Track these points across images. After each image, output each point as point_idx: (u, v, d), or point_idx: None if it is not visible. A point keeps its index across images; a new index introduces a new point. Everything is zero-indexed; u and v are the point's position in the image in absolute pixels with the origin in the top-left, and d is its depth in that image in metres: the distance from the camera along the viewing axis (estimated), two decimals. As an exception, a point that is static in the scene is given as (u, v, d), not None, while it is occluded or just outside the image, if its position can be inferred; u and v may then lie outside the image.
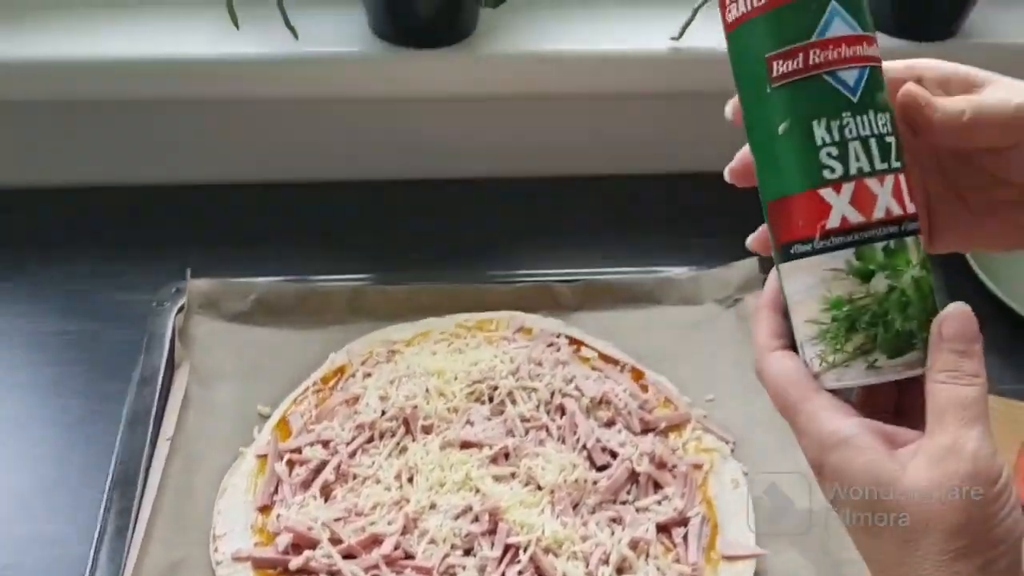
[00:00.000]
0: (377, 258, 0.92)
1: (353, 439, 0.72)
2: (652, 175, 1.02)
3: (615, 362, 0.81)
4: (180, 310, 0.82)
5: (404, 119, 0.99)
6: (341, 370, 0.79)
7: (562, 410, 0.75)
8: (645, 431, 0.75)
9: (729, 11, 0.44)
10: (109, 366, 0.80)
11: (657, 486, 0.70)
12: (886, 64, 0.45)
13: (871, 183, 0.42)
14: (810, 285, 0.43)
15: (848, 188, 0.42)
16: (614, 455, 0.71)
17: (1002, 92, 0.45)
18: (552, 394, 0.75)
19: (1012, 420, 0.77)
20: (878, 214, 0.42)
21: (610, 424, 0.75)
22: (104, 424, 0.75)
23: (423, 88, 0.95)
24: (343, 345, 0.81)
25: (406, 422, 0.72)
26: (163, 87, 0.92)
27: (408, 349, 0.80)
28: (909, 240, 0.42)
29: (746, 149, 0.46)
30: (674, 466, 0.71)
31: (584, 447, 0.71)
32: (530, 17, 0.96)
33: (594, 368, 0.80)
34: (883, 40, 0.96)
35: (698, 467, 0.72)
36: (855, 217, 0.42)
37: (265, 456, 0.72)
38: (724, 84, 0.47)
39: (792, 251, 0.43)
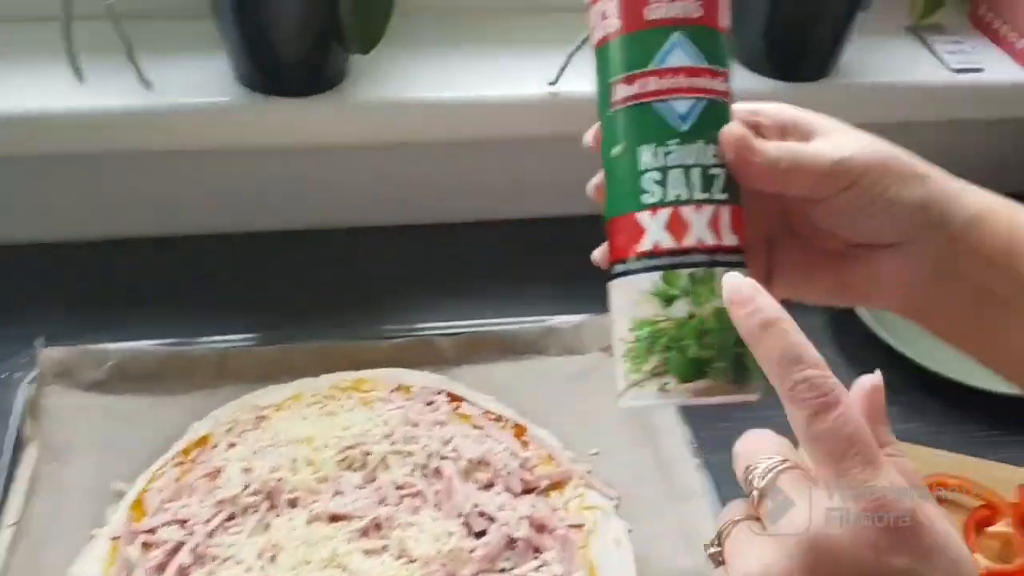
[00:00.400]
0: (247, 317, 0.87)
1: (213, 516, 0.67)
2: (531, 219, 1.00)
3: (498, 418, 0.78)
4: (31, 381, 0.77)
5: (274, 169, 0.96)
6: (204, 440, 0.74)
7: (439, 473, 0.71)
8: (526, 491, 0.72)
9: (594, 34, 0.46)
10: (-50, 445, 0.74)
11: (537, 550, 0.67)
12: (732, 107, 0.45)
13: (686, 211, 0.43)
14: (624, 304, 0.44)
15: (664, 214, 0.43)
16: (493, 520, 0.68)
17: (827, 144, 0.45)
18: (429, 457, 0.72)
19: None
20: (689, 241, 0.43)
21: (489, 486, 0.71)
22: (-59, 511, 0.69)
23: (293, 138, 0.92)
24: (209, 412, 0.77)
25: (270, 496, 0.68)
26: (2, 143, 0.86)
27: (277, 415, 0.76)
28: (720, 271, 0.43)
29: None
30: (554, 528, 0.68)
31: (460, 514, 0.68)
32: (403, 63, 0.93)
33: (475, 426, 0.77)
34: (756, 80, 0.97)
35: (579, 527, 0.70)
36: (667, 242, 0.43)
37: (119, 539, 0.67)
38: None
39: (614, 270, 0.45)
